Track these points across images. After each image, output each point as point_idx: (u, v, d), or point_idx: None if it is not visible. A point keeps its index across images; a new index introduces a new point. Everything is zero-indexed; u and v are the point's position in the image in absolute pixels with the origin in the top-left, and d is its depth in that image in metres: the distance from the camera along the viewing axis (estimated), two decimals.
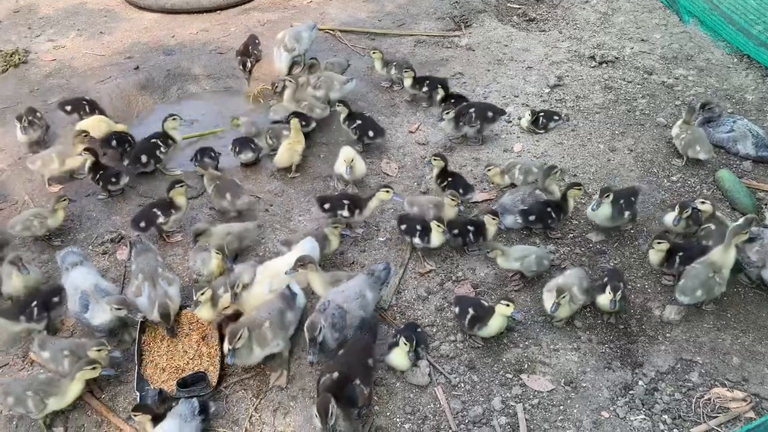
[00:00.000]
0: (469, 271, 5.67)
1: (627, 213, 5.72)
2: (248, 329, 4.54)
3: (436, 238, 5.63)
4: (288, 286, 4.96)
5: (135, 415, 4.32)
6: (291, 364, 4.89)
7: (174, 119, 6.81)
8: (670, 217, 5.63)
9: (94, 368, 4.47)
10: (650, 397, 4.63)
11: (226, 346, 4.47)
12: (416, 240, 5.65)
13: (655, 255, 5.36)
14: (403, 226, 5.73)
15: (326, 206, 5.97)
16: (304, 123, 6.93)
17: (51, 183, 6.67)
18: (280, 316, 4.75)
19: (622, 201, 5.68)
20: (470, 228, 5.69)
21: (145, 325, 5.11)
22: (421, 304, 5.40)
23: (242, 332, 4.47)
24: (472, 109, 6.95)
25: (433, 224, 5.58)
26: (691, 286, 4.97)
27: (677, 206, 5.56)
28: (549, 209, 5.81)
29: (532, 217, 5.81)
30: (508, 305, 4.75)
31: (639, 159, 6.89)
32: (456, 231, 5.68)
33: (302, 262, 5.04)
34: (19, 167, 6.90)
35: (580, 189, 5.83)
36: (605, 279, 5.01)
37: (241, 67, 8.13)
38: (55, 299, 5.17)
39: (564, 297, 4.86)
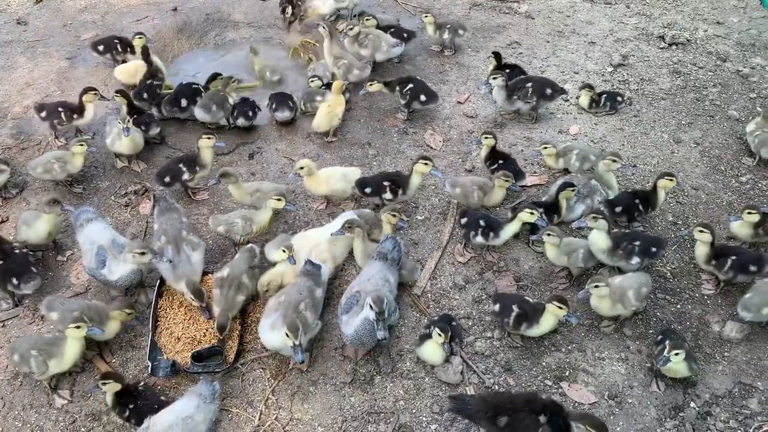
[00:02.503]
0: (512, 262, 5.23)
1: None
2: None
3: (511, 230, 5.01)
4: (309, 261, 4.59)
5: (103, 384, 3.95)
6: (314, 347, 4.55)
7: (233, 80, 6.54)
8: (739, 224, 5.11)
9: (78, 327, 4.10)
10: (702, 422, 4.21)
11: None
12: (479, 239, 5.07)
13: (698, 248, 4.91)
14: (464, 220, 5.15)
15: (367, 190, 5.45)
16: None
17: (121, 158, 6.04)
18: (311, 294, 4.40)
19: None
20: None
21: (163, 288, 4.79)
22: (458, 293, 4.99)
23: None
24: (529, 84, 6.39)
25: (524, 214, 4.89)
26: (757, 302, 4.52)
27: (745, 210, 5.03)
28: (637, 201, 5.35)
29: (618, 209, 5.35)
30: (560, 307, 4.31)
31: (705, 154, 6.31)
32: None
33: (350, 225, 4.70)
34: None
35: (671, 180, 5.26)
36: (659, 338, 4.45)
37: (281, 13, 7.85)
38: (14, 280, 4.64)
39: (596, 286, 4.41)
